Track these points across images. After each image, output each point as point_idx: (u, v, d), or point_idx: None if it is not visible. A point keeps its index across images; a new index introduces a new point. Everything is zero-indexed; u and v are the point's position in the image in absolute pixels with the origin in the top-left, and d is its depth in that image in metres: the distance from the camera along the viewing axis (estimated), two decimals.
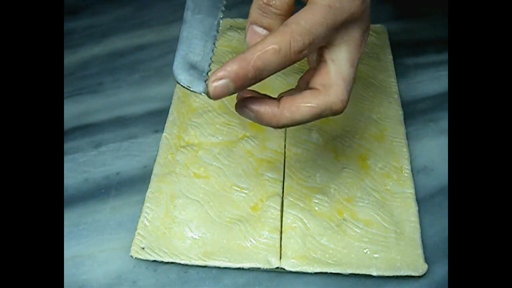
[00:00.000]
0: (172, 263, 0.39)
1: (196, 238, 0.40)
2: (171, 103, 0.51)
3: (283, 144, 0.47)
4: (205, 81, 0.28)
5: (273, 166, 0.45)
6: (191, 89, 0.28)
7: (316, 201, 0.42)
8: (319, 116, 0.28)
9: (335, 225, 0.41)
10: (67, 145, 0.49)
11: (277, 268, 0.39)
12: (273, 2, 0.28)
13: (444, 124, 0.48)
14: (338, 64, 0.27)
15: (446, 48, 0.39)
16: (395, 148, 0.46)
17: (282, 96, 0.29)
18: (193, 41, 0.29)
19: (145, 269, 0.40)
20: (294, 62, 0.26)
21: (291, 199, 0.43)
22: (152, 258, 0.39)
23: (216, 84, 0.26)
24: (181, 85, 0.28)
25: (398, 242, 0.40)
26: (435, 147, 0.45)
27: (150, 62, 0.58)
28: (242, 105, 0.29)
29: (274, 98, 0.29)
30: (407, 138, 0.47)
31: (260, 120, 0.29)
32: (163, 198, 0.43)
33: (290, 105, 0.28)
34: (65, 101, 0.53)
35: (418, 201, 0.42)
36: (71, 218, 0.43)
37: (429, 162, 0.45)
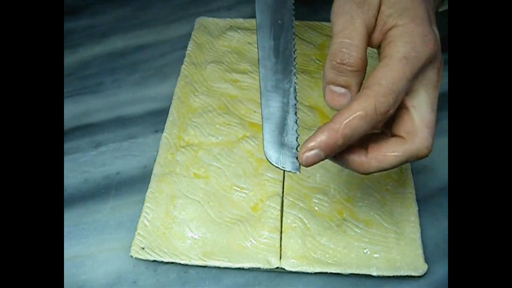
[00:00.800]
0: (172, 263, 0.40)
1: (196, 238, 0.40)
2: (171, 103, 0.51)
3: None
4: (296, 157, 0.29)
5: (273, 166, 0.45)
6: (286, 169, 0.30)
7: (316, 201, 0.42)
8: (405, 162, 0.28)
9: (335, 225, 0.41)
10: (67, 145, 0.49)
11: (277, 268, 0.39)
12: (347, 60, 0.28)
13: (444, 124, 0.48)
14: (420, 111, 0.28)
15: (446, 48, 0.38)
16: None
17: (368, 144, 0.29)
18: (275, 115, 0.30)
19: (145, 269, 0.40)
20: (381, 122, 0.27)
21: (291, 199, 0.43)
22: (152, 258, 0.39)
23: (307, 154, 0.27)
24: (275, 166, 0.30)
25: (398, 242, 0.40)
26: (435, 147, 0.44)
27: (150, 62, 0.58)
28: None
29: (360, 146, 0.29)
30: None
31: (346, 166, 0.29)
32: (163, 198, 0.43)
33: (377, 154, 0.28)
34: (65, 101, 0.53)
35: (418, 201, 0.42)
36: (71, 218, 0.43)
37: (429, 162, 0.45)
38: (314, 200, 0.43)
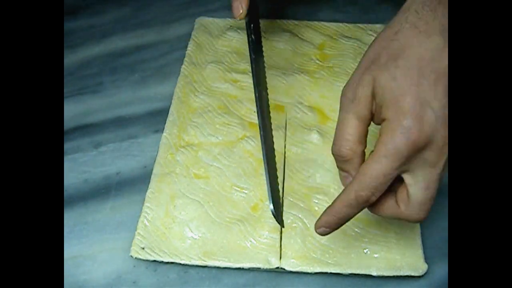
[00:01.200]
0: (172, 263, 0.40)
1: (196, 238, 0.40)
2: (171, 103, 0.51)
3: (283, 144, 0.47)
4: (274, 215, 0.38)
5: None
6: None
7: (316, 201, 0.42)
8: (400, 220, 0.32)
9: None
10: (67, 145, 0.49)
11: (277, 268, 0.39)
12: (339, 153, 0.32)
13: None
14: (414, 189, 0.30)
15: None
16: None
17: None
18: (274, 181, 0.38)
19: (145, 269, 0.40)
20: (380, 192, 0.30)
21: (291, 199, 0.43)
22: (152, 258, 0.39)
23: (319, 231, 0.33)
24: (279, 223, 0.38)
25: (398, 242, 0.40)
26: None
27: (150, 62, 0.58)
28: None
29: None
30: None
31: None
32: (163, 198, 0.43)
33: (376, 207, 0.33)
34: (65, 101, 0.53)
35: None
36: (71, 218, 0.43)
37: None
38: (314, 200, 0.43)
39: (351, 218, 0.32)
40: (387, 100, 0.29)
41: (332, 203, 0.32)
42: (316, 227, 0.33)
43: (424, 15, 0.30)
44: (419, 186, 0.30)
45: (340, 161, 0.32)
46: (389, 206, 0.32)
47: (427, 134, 0.28)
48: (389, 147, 0.29)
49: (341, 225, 0.33)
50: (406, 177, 0.30)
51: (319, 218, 0.33)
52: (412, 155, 0.29)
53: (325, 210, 0.33)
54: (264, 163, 0.39)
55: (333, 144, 0.32)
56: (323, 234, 0.34)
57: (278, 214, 0.37)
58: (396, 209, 0.31)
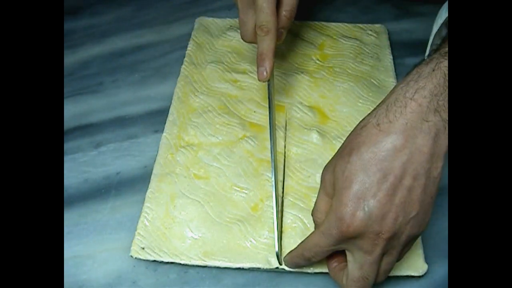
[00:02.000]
0: (172, 263, 0.40)
1: (196, 238, 0.40)
2: (171, 103, 0.51)
3: (283, 144, 0.47)
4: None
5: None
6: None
7: None
8: None
9: None
10: (67, 145, 0.49)
11: (277, 268, 0.39)
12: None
13: None
14: (350, 267, 0.33)
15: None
16: None
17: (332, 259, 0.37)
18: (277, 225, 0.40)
19: (145, 269, 0.40)
20: (320, 257, 0.35)
21: (291, 199, 0.43)
22: (152, 258, 0.39)
23: (286, 264, 0.38)
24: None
25: None
26: None
27: (150, 62, 0.58)
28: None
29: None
30: None
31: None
32: (163, 198, 0.43)
33: (332, 275, 0.37)
34: (65, 101, 0.53)
35: None
36: (71, 218, 0.43)
37: None
38: (314, 200, 0.42)
39: (309, 264, 0.37)
40: (335, 189, 0.32)
41: (293, 249, 0.37)
42: (284, 262, 0.38)
43: (392, 112, 0.31)
44: (355, 265, 0.33)
45: (315, 220, 0.36)
46: (339, 274, 0.35)
47: (356, 228, 0.31)
48: (325, 228, 0.32)
49: (303, 266, 0.38)
50: (347, 253, 0.33)
51: (289, 254, 0.38)
52: (345, 240, 0.32)
53: (289, 253, 0.37)
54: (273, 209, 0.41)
55: (312, 210, 0.36)
56: (291, 268, 0.39)
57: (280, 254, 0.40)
58: (341, 279, 0.35)
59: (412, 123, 0.30)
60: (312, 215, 0.36)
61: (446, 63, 0.30)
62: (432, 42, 0.43)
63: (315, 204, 0.35)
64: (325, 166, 0.35)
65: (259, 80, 0.44)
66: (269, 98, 0.46)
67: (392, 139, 0.30)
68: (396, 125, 0.30)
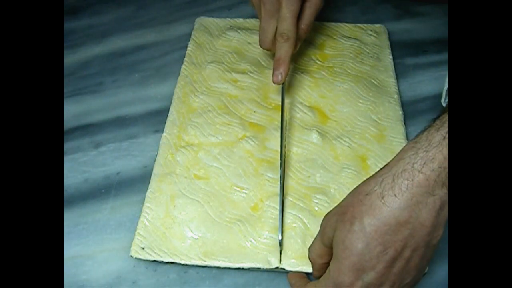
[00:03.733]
0: (172, 263, 0.39)
1: (196, 238, 0.40)
2: (171, 103, 0.51)
3: (283, 144, 0.47)
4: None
5: (273, 166, 0.45)
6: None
7: (316, 201, 0.42)
8: None
9: None
10: (67, 145, 0.49)
11: (277, 268, 0.39)
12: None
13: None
14: (328, 273, 0.34)
15: (446, 48, 0.39)
16: (395, 148, 0.46)
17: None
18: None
19: (145, 269, 0.40)
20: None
21: (291, 199, 0.43)
22: (152, 258, 0.39)
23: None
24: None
25: None
26: None
27: (150, 62, 0.58)
28: None
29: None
30: (407, 138, 0.47)
31: None
32: (163, 198, 0.43)
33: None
34: (65, 101, 0.53)
35: None
36: (71, 218, 0.43)
37: None
38: (314, 200, 0.42)
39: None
40: (334, 252, 0.33)
41: (293, 283, 0.38)
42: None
43: (398, 184, 0.30)
44: (330, 270, 0.33)
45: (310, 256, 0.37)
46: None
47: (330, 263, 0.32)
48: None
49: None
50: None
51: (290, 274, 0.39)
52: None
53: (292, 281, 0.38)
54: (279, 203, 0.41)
55: (309, 247, 0.37)
56: None
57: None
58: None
59: (418, 197, 0.30)
60: (309, 250, 0.37)
61: None
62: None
63: (312, 243, 0.36)
64: (326, 216, 0.35)
65: (273, 83, 0.47)
66: (282, 98, 0.47)
67: (396, 215, 0.30)
68: (402, 200, 0.30)
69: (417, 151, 0.30)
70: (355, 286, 0.31)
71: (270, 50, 0.49)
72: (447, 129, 0.29)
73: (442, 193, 0.30)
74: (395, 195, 0.30)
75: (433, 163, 0.29)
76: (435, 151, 0.29)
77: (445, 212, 0.31)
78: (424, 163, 0.29)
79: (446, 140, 0.29)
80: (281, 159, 0.43)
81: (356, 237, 0.31)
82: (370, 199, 0.31)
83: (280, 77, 0.46)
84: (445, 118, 0.30)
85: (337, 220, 0.33)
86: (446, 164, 0.29)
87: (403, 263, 0.31)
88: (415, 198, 0.30)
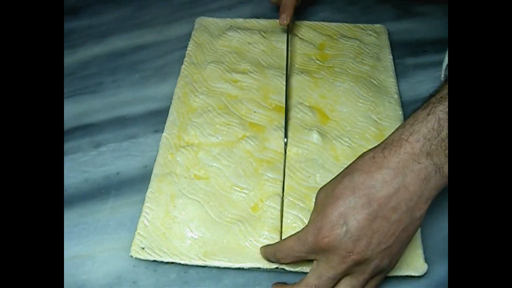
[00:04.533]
0: (172, 263, 0.40)
1: (196, 238, 0.40)
2: (171, 103, 0.51)
3: (283, 144, 0.47)
4: None
5: (273, 166, 0.45)
6: None
7: None
8: None
9: None
10: (67, 145, 0.49)
11: (277, 268, 0.39)
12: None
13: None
14: (310, 273, 0.35)
15: (446, 48, 0.39)
16: None
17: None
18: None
19: (145, 269, 0.40)
20: (289, 260, 0.37)
21: (291, 199, 0.43)
22: (152, 258, 0.39)
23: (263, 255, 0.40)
24: None
25: None
26: None
27: (150, 62, 0.58)
28: None
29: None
30: None
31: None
32: (163, 198, 0.43)
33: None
34: (65, 101, 0.53)
35: None
36: (71, 218, 0.43)
37: None
38: (314, 200, 0.42)
39: (279, 264, 0.38)
40: (322, 203, 0.35)
41: (269, 245, 0.39)
42: (261, 253, 0.39)
43: (387, 149, 0.33)
44: (315, 273, 0.35)
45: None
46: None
47: (331, 241, 0.33)
48: (302, 234, 0.35)
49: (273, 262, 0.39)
50: (314, 261, 0.35)
51: (263, 248, 0.39)
52: (317, 251, 0.34)
53: (267, 245, 0.39)
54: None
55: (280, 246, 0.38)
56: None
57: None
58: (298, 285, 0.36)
59: (404, 162, 0.32)
60: (280, 245, 0.37)
61: (441, 107, 0.32)
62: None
63: (286, 239, 0.37)
64: (319, 189, 0.37)
65: (280, 24, 0.56)
66: (286, 97, 0.50)
67: (383, 172, 0.33)
68: (390, 161, 0.33)
69: (405, 126, 0.34)
70: (335, 230, 0.33)
71: (277, 4, 0.58)
72: (431, 108, 0.33)
73: (427, 163, 0.32)
74: (384, 156, 0.33)
75: (418, 134, 0.32)
76: (420, 125, 0.33)
77: (431, 186, 0.32)
78: (410, 134, 0.33)
79: (431, 115, 0.32)
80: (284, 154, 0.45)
81: (344, 186, 0.33)
82: (362, 160, 0.34)
83: (285, 20, 0.55)
84: (431, 100, 0.33)
85: (329, 183, 0.36)
86: (429, 136, 0.32)
87: (383, 222, 0.32)
88: (401, 162, 0.32)
